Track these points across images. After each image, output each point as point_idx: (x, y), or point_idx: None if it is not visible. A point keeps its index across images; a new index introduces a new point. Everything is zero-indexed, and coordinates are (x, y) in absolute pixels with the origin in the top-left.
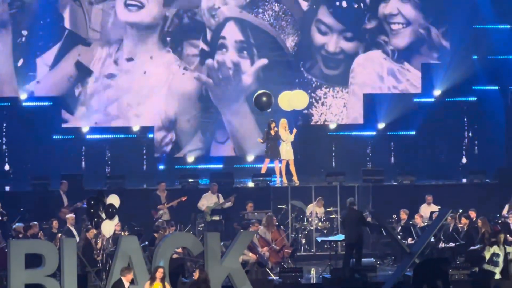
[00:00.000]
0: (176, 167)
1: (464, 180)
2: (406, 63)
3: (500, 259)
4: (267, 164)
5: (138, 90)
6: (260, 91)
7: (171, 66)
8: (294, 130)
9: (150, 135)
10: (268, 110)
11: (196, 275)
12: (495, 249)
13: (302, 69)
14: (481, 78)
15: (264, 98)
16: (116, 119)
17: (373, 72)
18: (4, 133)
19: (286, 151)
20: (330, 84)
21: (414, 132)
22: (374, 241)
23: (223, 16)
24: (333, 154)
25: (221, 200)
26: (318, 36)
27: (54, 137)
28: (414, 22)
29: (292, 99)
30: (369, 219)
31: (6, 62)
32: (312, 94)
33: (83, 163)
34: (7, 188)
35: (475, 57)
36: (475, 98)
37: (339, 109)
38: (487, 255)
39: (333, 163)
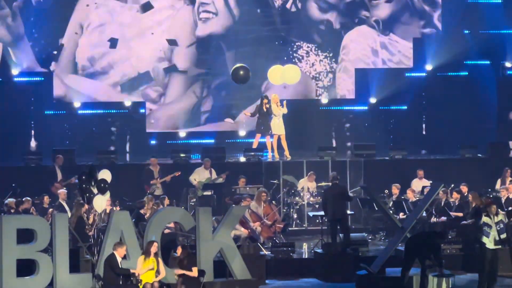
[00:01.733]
0: (167, 142)
1: (456, 155)
2: (393, 35)
3: (492, 230)
4: (259, 139)
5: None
6: (237, 65)
7: None
8: (284, 102)
9: (142, 110)
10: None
11: (178, 251)
12: (486, 219)
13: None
14: (472, 53)
15: (241, 72)
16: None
17: (366, 47)
18: None
19: (278, 125)
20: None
21: (406, 107)
22: (366, 216)
23: None
24: (325, 128)
25: (213, 175)
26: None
27: (45, 112)
28: None
29: (284, 74)
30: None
31: None
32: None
33: (75, 138)
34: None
35: (467, 31)
36: (467, 73)
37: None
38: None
39: (325, 138)
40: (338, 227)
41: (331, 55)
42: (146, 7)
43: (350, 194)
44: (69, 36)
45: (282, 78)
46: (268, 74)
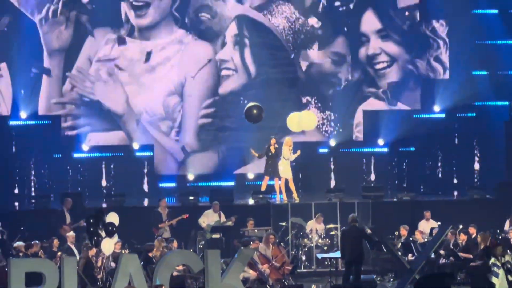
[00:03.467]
0: (176, 184)
1: (465, 196)
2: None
3: (501, 271)
4: (267, 181)
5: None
6: (251, 104)
7: None
8: (298, 152)
9: (150, 153)
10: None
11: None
12: (494, 260)
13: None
14: (481, 94)
15: (255, 111)
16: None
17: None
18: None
19: (284, 169)
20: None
21: (414, 149)
22: (374, 257)
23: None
24: (333, 171)
25: (222, 218)
26: None
27: (54, 155)
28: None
29: (301, 120)
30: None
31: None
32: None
33: (83, 181)
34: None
35: (475, 73)
36: (475, 114)
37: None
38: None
39: (333, 180)
40: (353, 268)
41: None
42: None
43: (368, 232)
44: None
45: (299, 125)
46: (287, 120)
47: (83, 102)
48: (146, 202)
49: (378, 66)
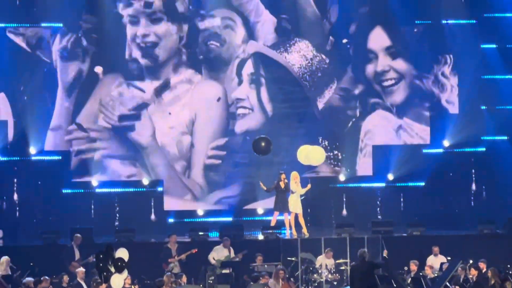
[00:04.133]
0: (185, 220)
1: (474, 231)
2: (407, 118)
3: None
4: (277, 216)
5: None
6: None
7: None
8: (309, 186)
9: (160, 189)
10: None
11: None
12: None
13: None
14: (490, 129)
15: (263, 143)
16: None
17: (384, 128)
18: (15, 188)
19: (295, 203)
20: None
21: (423, 183)
22: None
23: None
24: (343, 205)
25: (232, 254)
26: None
27: (63, 191)
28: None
29: (310, 154)
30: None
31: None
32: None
33: (92, 216)
34: (17, 242)
35: (484, 107)
36: (484, 149)
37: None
38: None
39: (342, 215)
40: None
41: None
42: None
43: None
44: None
45: (307, 158)
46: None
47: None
48: (156, 238)
49: (385, 83)
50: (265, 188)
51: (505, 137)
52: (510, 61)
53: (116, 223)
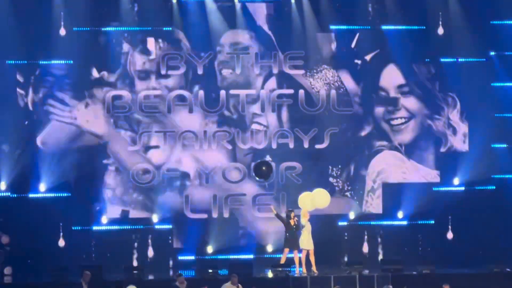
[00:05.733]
0: (196, 257)
1: (484, 269)
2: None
3: None
4: (287, 254)
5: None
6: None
7: None
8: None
9: (169, 226)
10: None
11: None
12: None
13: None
14: (500, 167)
15: (264, 168)
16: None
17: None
18: (22, 225)
19: (307, 240)
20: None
21: (433, 221)
22: None
23: None
24: (352, 243)
25: None
26: None
27: (73, 228)
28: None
29: (314, 199)
30: None
31: None
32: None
33: (102, 254)
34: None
35: (494, 145)
36: (494, 187)
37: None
38: None
39: (352, 253)
40: None
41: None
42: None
43: None
44: None
45: (312, 204)
46: (298, 201)
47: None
48: (166, 274)
49: (395, 122)
50: (274, 212)
51: None
52: None
53: (125, 260)
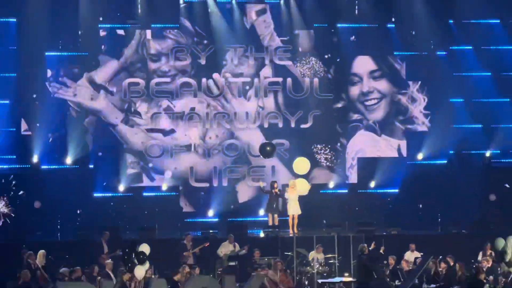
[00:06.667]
0: (199, 220)
1: (444, 231)
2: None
3: None
4: (271, 217)
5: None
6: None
7: None
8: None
9: (177, 193)
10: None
11: None
12: None
13: None
14: (457, 144)
15: (268, 148)
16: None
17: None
18: (54, 191)
19: (293, 207)
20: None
21: (399, 190)
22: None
23: None
24: (333, 208)
25: (237, 248)
26: None
27: (95, 195)
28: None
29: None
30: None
31: None
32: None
33: (120, 216)
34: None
35: (455, 126)
36: (453, 161)
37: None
38: None
39: (332, 216)
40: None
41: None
42: None
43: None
44: None
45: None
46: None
47: None
48: (175, 234)
49: (368, 102)
50: (261, 186)
51: (471, 151)
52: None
53: (139, 222)
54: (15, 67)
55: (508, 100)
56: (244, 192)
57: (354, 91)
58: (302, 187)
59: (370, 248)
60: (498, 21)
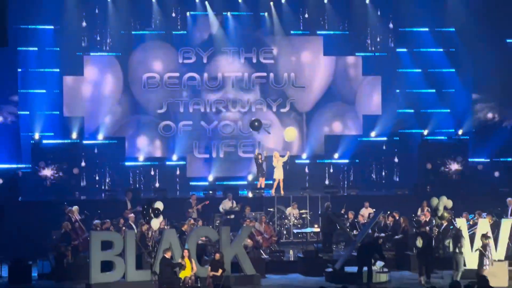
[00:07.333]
0: (202, 183)
1: (391, 192)
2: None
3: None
4: (260, 181)
5: None
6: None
7: None
8: (288, 153)
9: (184, 163)
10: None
11: (217, 256)
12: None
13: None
14: (402, 125)
15: (256, 123)
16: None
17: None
18: (87, 161)
19: (278, 173)
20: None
21: (358, 160)
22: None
23: None
24: (306, 176)
25: (234, 205)
26: None
27: (121, 163)
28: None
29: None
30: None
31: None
32: None
33: (140, 180)
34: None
35: (399, 110)
36: (398, 138)
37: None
38: (419, 242)
39: (303, 180)
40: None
41: None
42: None
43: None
44: None
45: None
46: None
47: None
48: (182, 194)
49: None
50: (255, 156)
51: (412, 130)
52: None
53: (156, 184)
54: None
55: (434, 90)
56: (236, 162)
57: None
58: (291, 135)
59: (341, 212)
60: (427, 29)
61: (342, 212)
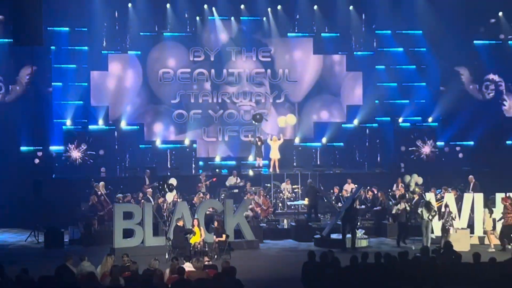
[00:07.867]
0: (209, 162)
1: (371, 170)
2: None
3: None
4: (258, 161)
5: None
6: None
7: None
8: (281, 136)
9: (195, 145)
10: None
11: (216, 224)
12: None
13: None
14: (380, 112)
15: (258, 116)
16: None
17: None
18: (111, 144)
19: (274, 154)
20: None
21: (342, 144)
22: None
23: None
24: (298, 156)
25: (238, 180)
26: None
27: (140, 146)
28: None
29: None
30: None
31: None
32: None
33: (156, 160)
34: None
35: (377, 101)
36: (377, 125)
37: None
38: (394, 210)
39: (295, 160)
40: (312, 210)
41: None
42: None
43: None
44: None
45: (286, 122)
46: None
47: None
48: (192, 172)
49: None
50: (252, 141)
51: (388, 118)
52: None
53: (170, 164)
54: (85, 61)
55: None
56: (239, 144)
57: None
58: (290, 121)
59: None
60: (402, 49)
61: (321, 188)
